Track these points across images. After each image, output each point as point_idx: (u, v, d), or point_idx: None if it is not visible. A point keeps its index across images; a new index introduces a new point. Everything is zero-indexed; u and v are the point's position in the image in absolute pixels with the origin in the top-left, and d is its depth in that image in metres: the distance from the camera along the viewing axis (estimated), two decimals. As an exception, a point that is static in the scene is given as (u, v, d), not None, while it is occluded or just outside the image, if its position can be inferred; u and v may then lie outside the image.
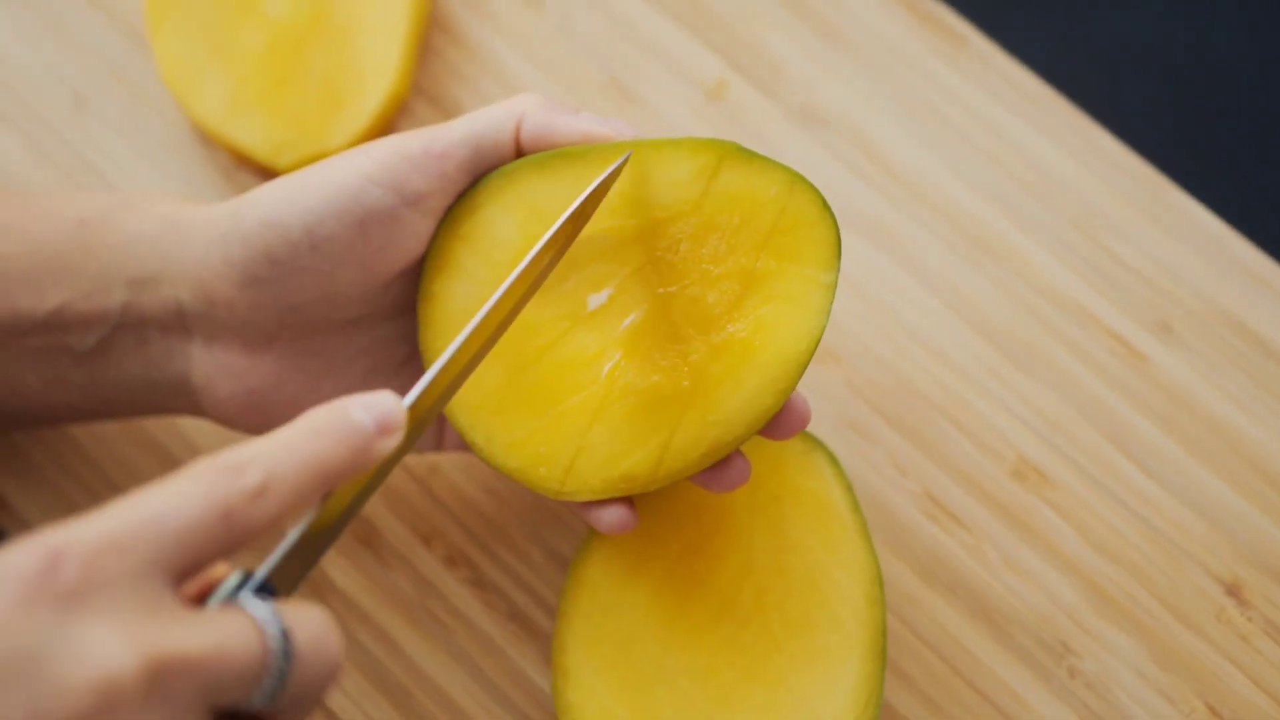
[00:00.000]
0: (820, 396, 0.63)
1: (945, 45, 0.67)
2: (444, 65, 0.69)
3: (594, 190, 0.51)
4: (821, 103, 0.67)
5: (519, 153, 0.53)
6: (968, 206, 0.65)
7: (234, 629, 0.40)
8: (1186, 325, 0.63)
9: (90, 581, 0.38)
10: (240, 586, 0.43)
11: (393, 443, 0.44)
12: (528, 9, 0.69)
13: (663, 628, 0.57)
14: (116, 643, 0.38)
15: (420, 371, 0.57)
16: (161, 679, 0.38)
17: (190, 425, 0.64)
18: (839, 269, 0.52)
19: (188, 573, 0.41)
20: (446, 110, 0.68)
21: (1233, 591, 0.60)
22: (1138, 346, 0.63)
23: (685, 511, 0.58)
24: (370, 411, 0.44)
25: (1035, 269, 0.64)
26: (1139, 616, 0.60)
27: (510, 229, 0.53)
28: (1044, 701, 0.59)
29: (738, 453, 0.53)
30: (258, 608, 0.41)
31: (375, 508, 0.63)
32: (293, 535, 0.44)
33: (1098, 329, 0.63)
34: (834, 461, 0.58)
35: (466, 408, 0.53)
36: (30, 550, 0.39)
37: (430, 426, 0.56)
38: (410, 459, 0.63)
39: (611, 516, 0.54)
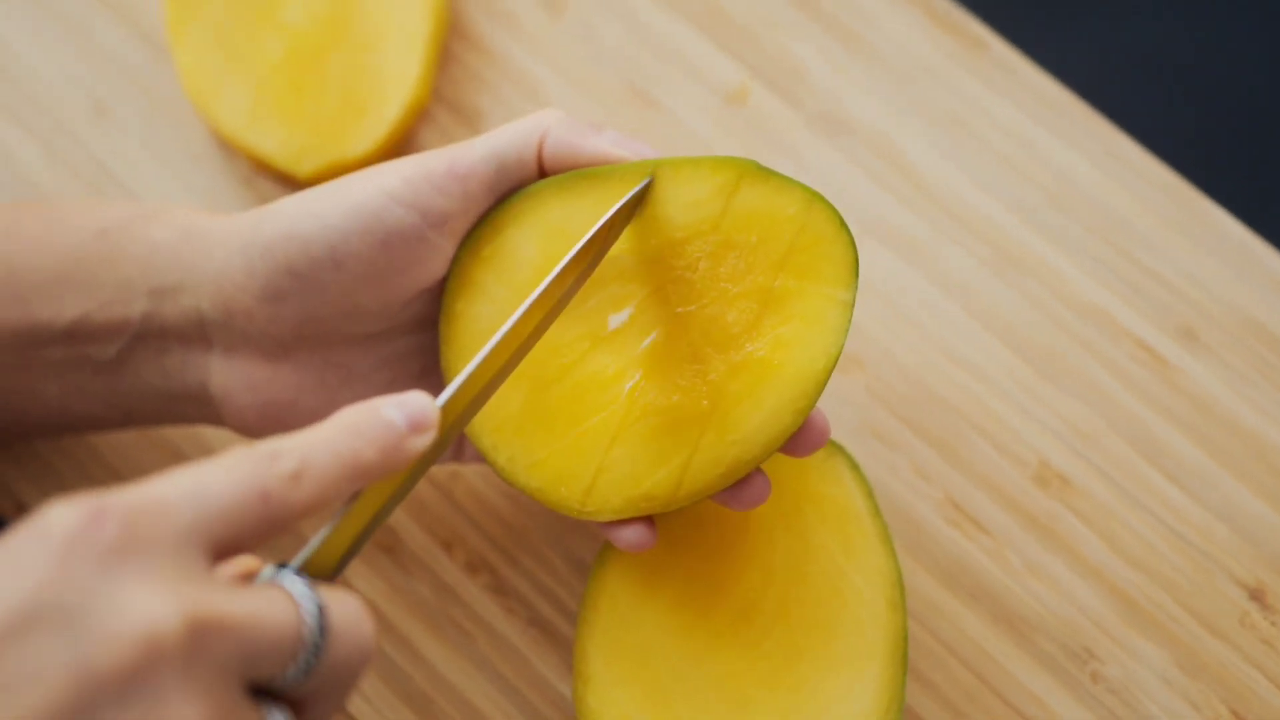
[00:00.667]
0: (842, 403, 0.63)
1: (966, 52, 0.67)
2: (464, 72, 0.69)
3: (611, 217, 0.51)
4: (843, 110, 0.67)
5: (541, 169, 0.53)
6: (989, 212, 0.65)
7: (272, 601, 0.40)
8: (1210, 331, 0.63)
9: (131, 540, 0.39)
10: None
11: (424, 441, 0.45)
12: (548, 16, 0.69)
13: (683, 633, 0.57)
14: (159, 598, 0.38)
15: (440, 385, 0.57)
16: (202, 637, 0.38)
17: (210, 433, 0.64)
18: (857, 287, 0.52)
19: (224, 551, 0.41)
20: (467, 117, 0.68)
21: (1256, 596, 0.60)
22: (1161, 353, 0.63)
23: (706, 517, 0.58)
24: (402, 410, 0.44)
25: (1057, 275, 0.64)
26: (1162, 622, 0.60)
27: (532, 251, 0.53)
28: (1067, 707, 0.59)
29: (758, 471, 0.53)
30: (294, 583, 0.41)
31: (396, 515, 0.63)
32: (325, 530, 0.44)
33: (1121, 335, 0.63)
34: (855, 467, 0.58)
35: (488, 428, 0.54)
36: (72, 508, 0.39)
37: (451, 441, 0.56)
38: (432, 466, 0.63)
39: (631, 535, 0.54)
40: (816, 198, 0.52)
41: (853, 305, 0.52)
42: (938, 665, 0.60)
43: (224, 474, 0.41)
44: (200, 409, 0.56)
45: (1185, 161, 0.66)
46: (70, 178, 0.68)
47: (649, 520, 0.54)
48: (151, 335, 0.55)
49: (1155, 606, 0.60)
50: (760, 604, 0.57)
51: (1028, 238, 0.65)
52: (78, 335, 0.55)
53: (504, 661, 0.61)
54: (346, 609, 0.42)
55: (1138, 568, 0.61)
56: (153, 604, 0.38)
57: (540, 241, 0.53)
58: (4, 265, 0.55)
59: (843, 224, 0.52)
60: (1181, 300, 0.64)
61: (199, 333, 0.54)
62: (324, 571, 0.44)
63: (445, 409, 0.46)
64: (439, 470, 0.63)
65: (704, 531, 0.58)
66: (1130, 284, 0.64)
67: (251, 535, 0.41)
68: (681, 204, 0.52)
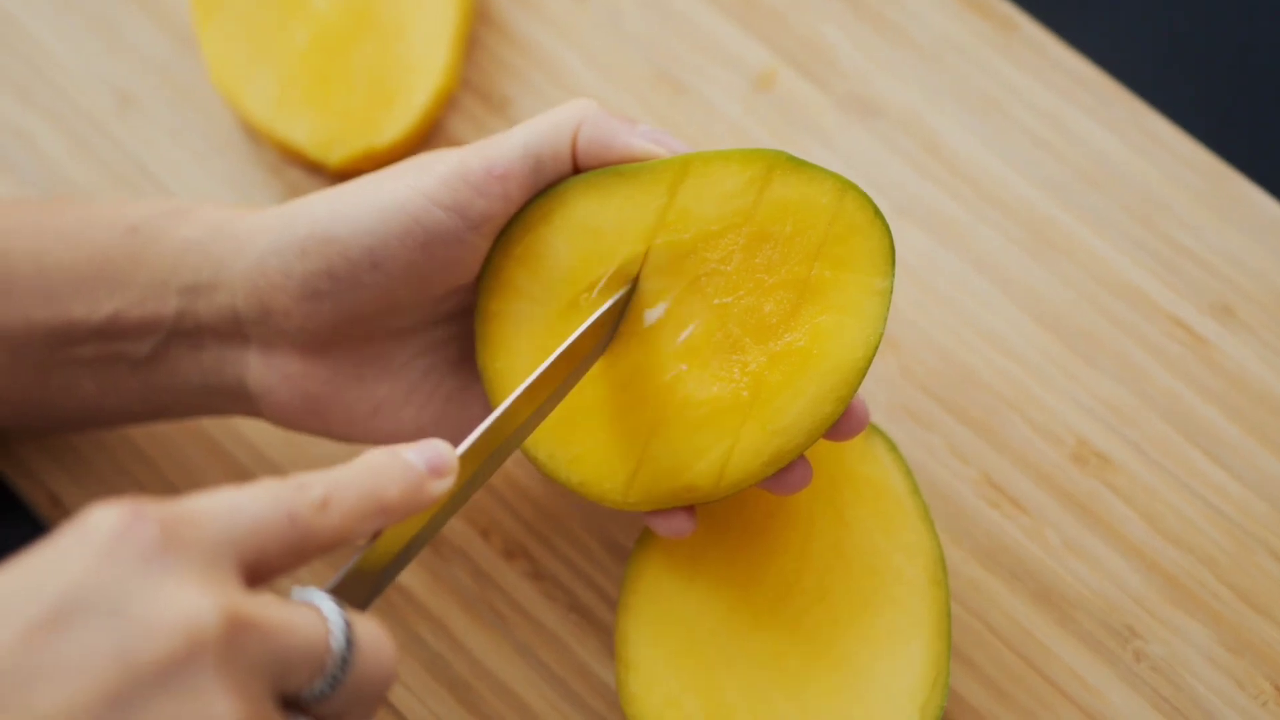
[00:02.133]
0: (877, 383, 0.63)
1: (996, 32, 0.67)
2: (491, 59, 0.69)
3: (597, 319, 0.53)
4: (872, 91, 0.67)
5: (575, 165, 0.53)
6: (1022, 192, 0.65)
7: (302, 612, 0.41)
8: (1246, 308, 0.63)
9: (169, 543, 0.39)
10: None
11: (444, 485, 0.46)
12: (574, 1, 0.69)
13: (725, 615, 0.57)
14: (198, 595, 0.39)
15: (475, 374, 0.57)
16: (239, 635, 0.39)
17: (246, 423, 0.64)
18: (893, 275, 0.52)
19: (252, 570, 0.42)
20: (495, 104, 0.68)
21: (1298, 572, 0.60)
22: (1197, 330, 0.63)
23: (745, 499, 0.58)
24: (422, 454, 0.46)
25: (1092, 254, 0.64)
26: (1204, 599, 0.60)
27: (564, 250, 0.53)
28: (1110, 685, 0.59)
29: (800, 457, 0.53)
30: (322, 600, 0.42)
31: (432, 502, 0.63)
32: (354, 560, 0.45)
33: (1157, 313, 0.63)
34: (893, 448, 0.58)
35: None
36: (113, 509, 0.40)
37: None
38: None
39: (672, 524, 0.54)
40: (849, 187, 0.52)
41: (890, 294, 0.52)
42: (979, 645, 0.60)
43: (255, 495, 0.42)
44: (237, 403, 0.56)
45: (1219, 138, 0.66)
46: (99, 170, 0.68)
47: (690, 508, 0.54)
48: (186, 332, 0.55)
49: (1197, 584, 0.60)
50: (801, 583, 0.57)
51: (1061, 217, 0.65)
52: (111, 332, 0.55)
53: (543, 647, 0.61)
54: (371, 630, 0.43)
55: (1178, 545, 0.61)
56: (192, 599, 0.39)
57: (571, 240, 0.53)
58: (34, 263, 0.55)
59: (877, 213, 0.52)
60: (1217, 277, 0.64)
61: (235, 329, 0.54)
62: (351, 603, 0.45)
63: (465, 457, 0.47)
64: (475, 457, 0.63)
65: (743, 513, 0.58)
66: (1165, 262, 0.64)
67: (278, 556, 0.42)
68: (714, 197, 0.52)
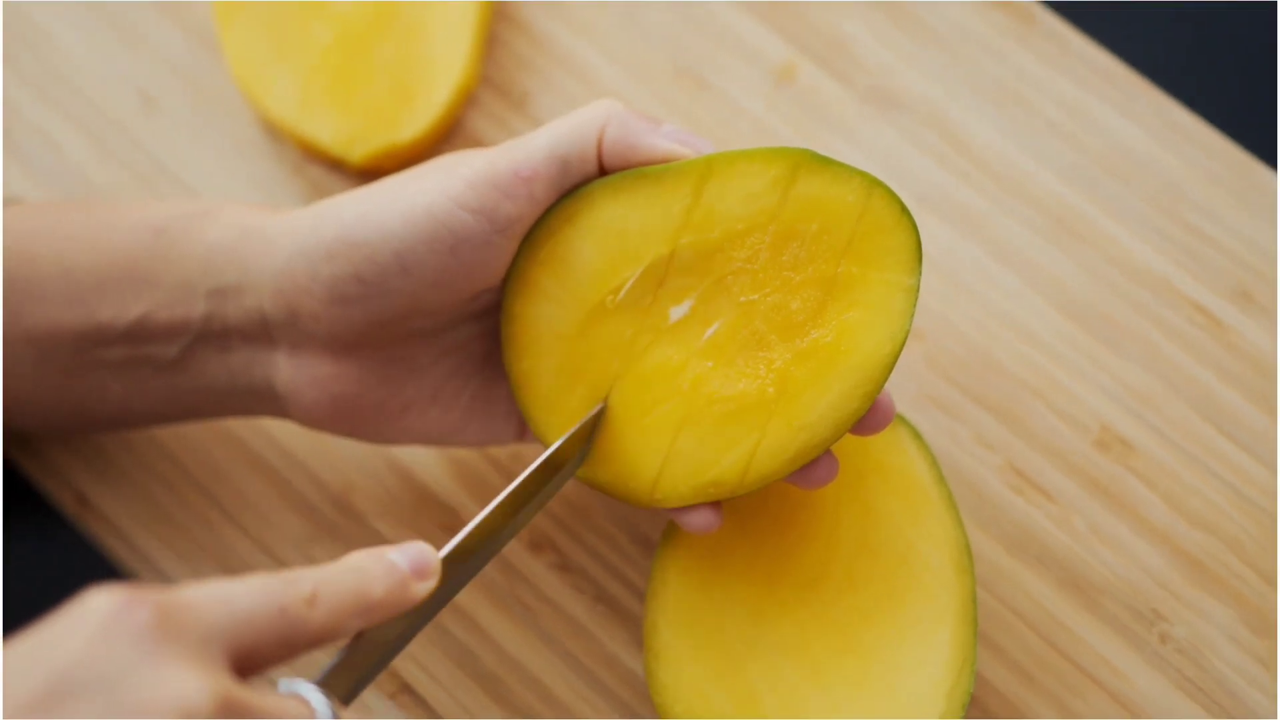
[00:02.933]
0: (902, 373, 0.63)
1: (1015, 24, 0.68)
2: (510, 55, 0.69)
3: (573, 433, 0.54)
4: (894, 85, 0.67)
5: (600, 164, 0.53)
6: (1043, 182, 0.65)
7: (290, 702, 0.43)
8: (1266, 293, 0.63)
9: (163, 627, 0.40)
10: None
11: (427, 586, 0.47)
12: (593, -3, 0.69)
13: (752, 604, 0.57)
14: (191, 678, 0.40)
15: (501, 374, 0.57)
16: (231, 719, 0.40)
17: (274, 423, 0.64)
18: (920, 272, 0.52)
19: (244, 661, 0.43)
20: (515, 101, 0.68)
21: (1323, 555, 0.61)
22: (1219, 316, 0.63)
23: (771, 489, 0.58)
24: (406, 555, 0.47)
25: (1112, 242, 0.64)
26: (1229, 582, 0.60)
27: (589, 252, 0.53)
28: (1137, 669, 0.59)
29: (826, 453, 0.54)
30: (310, 692, 0.44)
31: (458, 495, 0.63)
32: (340, 654, 0.46)
33: (1178, 300, 0.64)
34: (918, 437, 0.58)
35: (554, 424, 0.54)
36: (109, 593, 0.41)
37: (509, 434, 0.58)
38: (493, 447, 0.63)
39: (698, 520, 0.54)
40: (876, 184, 0.52)
41: (917, 290, 0.52)
42: (1006, 631, 0.60)
43: (247, 587, 0.43)
44: (265, 404, 0.57)
45: (1236, 125, 0.66)
46: (121, 170, 0.68)
47: (716, 504, 0.54)
48: (214, 335, 0.55)
49: (1221, 566, 0.60)
50: (828, 573, 0.57)
51: (1083, 206, 0.65)
52: (139, 335, 0.55)
53: (572, 638, 0.61)
54: None
55: (1202, 528, 0.61)
56: (185, 682, 0.40)
57: (597, 243, 0.53)
58: (59, 265, 0.55)
59: (904, 210, 0.52)
60: (1237, 264, 0.64)
61: (262, 332, 0.55)
62: (336, 696, 0.46)
63: (448, 560, 0.49)
64: (500, 451, 0.63)
65: (770, 503, 0.58)
66: (1186, 249, 0.64)
67: (268, 648, 0.43)
68: (739, 197, 0.52)
